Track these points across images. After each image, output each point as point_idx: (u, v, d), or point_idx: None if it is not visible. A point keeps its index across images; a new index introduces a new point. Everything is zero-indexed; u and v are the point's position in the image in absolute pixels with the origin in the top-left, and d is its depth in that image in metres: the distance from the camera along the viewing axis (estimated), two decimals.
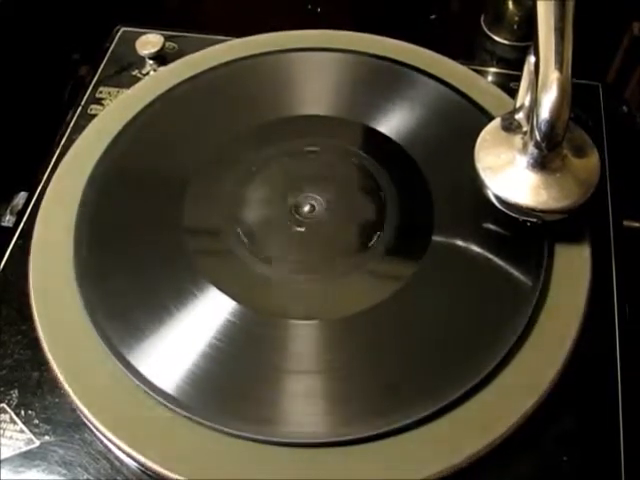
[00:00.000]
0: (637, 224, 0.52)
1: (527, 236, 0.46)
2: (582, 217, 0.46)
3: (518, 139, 0.44)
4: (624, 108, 0.58)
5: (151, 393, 0.41)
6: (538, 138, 0.41)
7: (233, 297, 0.44)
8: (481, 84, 0.55)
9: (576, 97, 0.54)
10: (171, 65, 0.57)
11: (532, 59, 0.43)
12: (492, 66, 0.60)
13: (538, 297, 0.43)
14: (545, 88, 0.39)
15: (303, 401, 0.41)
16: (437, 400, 0.40)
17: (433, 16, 0.68)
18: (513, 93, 0.49)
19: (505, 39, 0.63)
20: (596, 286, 0.45)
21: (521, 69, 0.46)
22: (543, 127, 0.40)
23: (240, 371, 0.42)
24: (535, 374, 0.41)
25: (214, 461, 0.39)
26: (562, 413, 0.42)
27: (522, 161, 0.43)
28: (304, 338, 0.43)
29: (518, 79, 0.47)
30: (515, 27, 0.62)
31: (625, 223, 0.51)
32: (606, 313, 0.46)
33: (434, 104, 0.53)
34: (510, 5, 0.61)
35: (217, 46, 0.58)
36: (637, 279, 0.48)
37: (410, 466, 0.39)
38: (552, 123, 0.40)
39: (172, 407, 0.40)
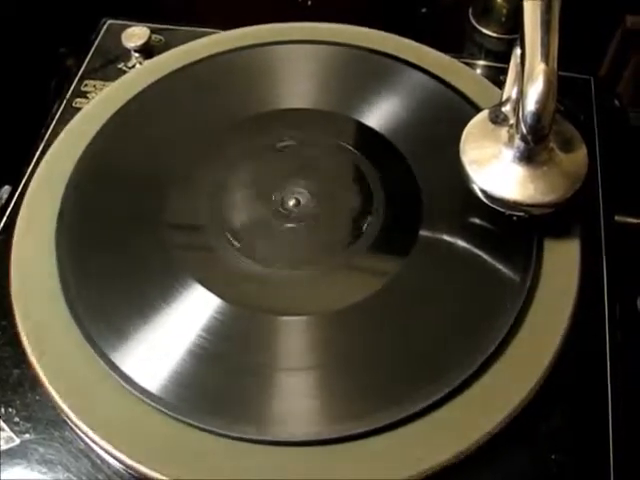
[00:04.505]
0: (629, 219, 0.51)
1: (517, 231, 0.45)
2: (572, 212, 0.45)
3: (504, 132, 0.43)
4: (616, 102, 0.57)
5: (133, 391, 0.40)
6: (524, 130, 0.40)
7: (218, 294, 0.43)
8: (469, 76, 0.54)
9: (567, 90, 0.54)
10: (155, 58, 0.57)
11: (519, 51, 0.42)
12: (481, 59, 0.60)
13: (527, 293, 0.43)
14: (531, 80, 0.39)
15: (291, 399, 0.40)
16: (424, 397, 0.39)
17: (424, 9, 0.68)
18: (502, 86, 0.48)
19: (493, 32, 0.62)
20: (586, 281, 0.45)
21: (509, 62, 0.45)
22: (529, 119, 0.40)
23: (225, 369, 0.41)
24: (524, 371, 0.41)
25: (197, 460, 0.39)
26: (551, 411, 0.41)
27: (508, 154, 0.42)
28: (290, 334, 0.42)
29: (507, 72, 0.46)
30: (503, 19, 0.61)
31: (617, 218, 0.50)
32: (596, 309, 0.45)
33: (422, 97, 0.52)
34: None
35: (202, 39, 0.57)
36: (628, 274, 0.47)
37: (398, 464, 0.38)
38: (538, 115, 0.39)
39: (154, 405, 0.40)
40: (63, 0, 0.69)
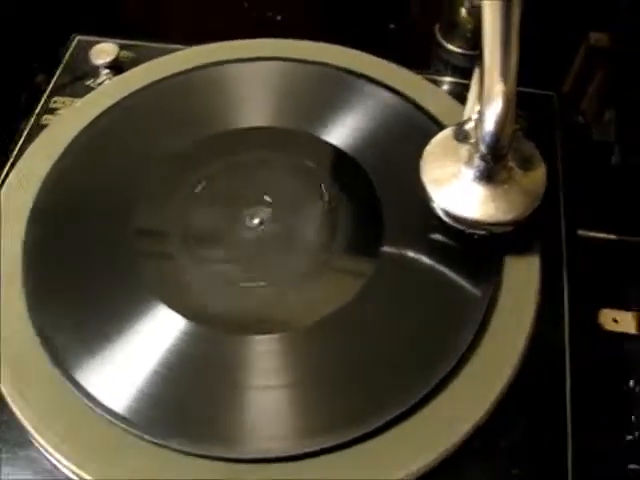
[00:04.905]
0: (592, 233, 0.52)
1: (477, 248, 0.45)
2: (532, 228, 0.46)
3: (464, 151, 0.43)
4: (580, 118, 0.58)
5: (99, 411, 0.40)
6: (483, 150, 0.41)
7: (182, 314, 0.44)
8: (434, 93, 0.54)
9: (531, 106, 0.55)
10: (118, 77, 0.57)
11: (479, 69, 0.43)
12: (447, 75, 0.60)
13: (486, 309, 0.43)
14: (489, 100, 0.39)
15: (259, 417, 0.40)
16: (385, 412, 0.40)
17: (392, 25, 0.68)
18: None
19: (459, 47, 0.62)
20: (547, 296, 0.45)
21: None
22: (488, 139, 0.40)
23: (190, 388, 0.41)
24: (483, 387, 0.41)
25: None
26: (511, 425, 0.42)
27: (468, 173, 0.42)
28: (255, 353, 0.42)
29: None
30: (468, 35, 0.61)
31: (580, 232, 0.51)
32: (556, 324, 0.46)
33: (385, 113, 0.52)
34: (463, 14, 0.61)
35: (164, 57, 0.58)
36: (591, 288, 0.48)
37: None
38: (496, 135, 0.40)
39: (121, 425, 0.40)
40: (35, 14, 0.69)
